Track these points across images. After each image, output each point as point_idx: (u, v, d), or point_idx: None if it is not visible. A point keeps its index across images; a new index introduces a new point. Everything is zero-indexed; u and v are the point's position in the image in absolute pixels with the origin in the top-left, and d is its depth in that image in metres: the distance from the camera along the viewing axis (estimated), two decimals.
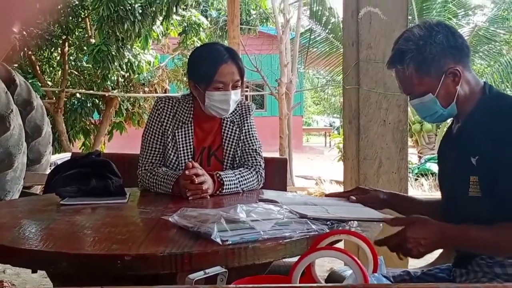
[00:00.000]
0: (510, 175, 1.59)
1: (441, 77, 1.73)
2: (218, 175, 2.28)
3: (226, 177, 2.30)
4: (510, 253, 1.66)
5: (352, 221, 1.77)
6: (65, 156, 7.08)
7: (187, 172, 2.20)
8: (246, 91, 19.18)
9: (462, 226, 1.66)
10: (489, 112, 1.68)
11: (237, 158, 2.47)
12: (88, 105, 10.14)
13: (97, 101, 10.26)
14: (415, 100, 1.80)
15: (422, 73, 1.75)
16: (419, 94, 1.78)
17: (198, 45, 9.34)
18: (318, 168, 13.32)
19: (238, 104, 2.48)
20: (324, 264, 4.27)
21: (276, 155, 9.68)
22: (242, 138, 2.48)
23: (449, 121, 1.93)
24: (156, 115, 2.47)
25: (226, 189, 2.28)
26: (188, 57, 2.57)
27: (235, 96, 2.37)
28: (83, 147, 10.19)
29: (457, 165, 1.77)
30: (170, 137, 2.43)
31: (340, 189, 6.98)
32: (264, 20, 15.40)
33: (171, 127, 2.44)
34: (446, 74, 1.73)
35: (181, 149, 2.42)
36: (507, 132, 1.59)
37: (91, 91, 9.90)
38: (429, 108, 1.79)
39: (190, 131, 2.44)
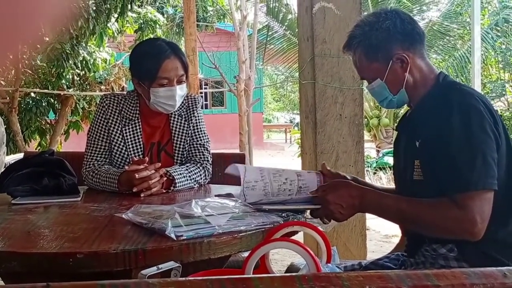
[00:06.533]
0: (445, 159, 1.60)
1: (388, 63, 1.75)
2: (165, 171, 2.24)
3: (175, 172, 2.27)
4: (423, 229, 1.67)
5: (307, 213, 1.78)
6: (20, 156, 6.91)
7: (126, 167, 2.20)
8: (205, 88, 19.14)
9: (382, 193, 1.71)
10: (435, 99, 1.70)
11: (185, 153, 2.45)
12: (43, 104, 9.90)
13: (52, 100, 10.03)
14: (368, 85, 1.83)
15: (369, 59, 1.77)
16: (370, 79, 1.82)
17: None
18: (279, 164, 13.37)
19: (184, 97, 2.45)
20: (285, 258, 4.30)
21: (237, 151, 9.67)
22: (189, 132, 2.46)
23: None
24: (102, 112, 2.42)
25: (178, 184, 2.26)
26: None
27: (180, 91, 2.34)
28: (39, 147, 9.96)
29: (405, 149, 1.80)
30: (117, 134, 2.39)
31: None
32: (221, 17, 15.32)
33: (117, 124, 2.40)
34: (393, 60, 1.74)
35: (130, 146, 2.39)
36: (446, 118, 1.61)
37: (46, 90, 9.69)
38: (379, 93, 1.81)
39: (138, 127, 2.41)
